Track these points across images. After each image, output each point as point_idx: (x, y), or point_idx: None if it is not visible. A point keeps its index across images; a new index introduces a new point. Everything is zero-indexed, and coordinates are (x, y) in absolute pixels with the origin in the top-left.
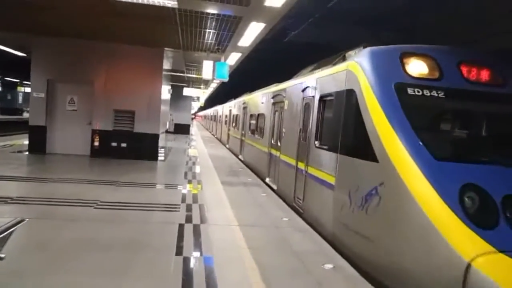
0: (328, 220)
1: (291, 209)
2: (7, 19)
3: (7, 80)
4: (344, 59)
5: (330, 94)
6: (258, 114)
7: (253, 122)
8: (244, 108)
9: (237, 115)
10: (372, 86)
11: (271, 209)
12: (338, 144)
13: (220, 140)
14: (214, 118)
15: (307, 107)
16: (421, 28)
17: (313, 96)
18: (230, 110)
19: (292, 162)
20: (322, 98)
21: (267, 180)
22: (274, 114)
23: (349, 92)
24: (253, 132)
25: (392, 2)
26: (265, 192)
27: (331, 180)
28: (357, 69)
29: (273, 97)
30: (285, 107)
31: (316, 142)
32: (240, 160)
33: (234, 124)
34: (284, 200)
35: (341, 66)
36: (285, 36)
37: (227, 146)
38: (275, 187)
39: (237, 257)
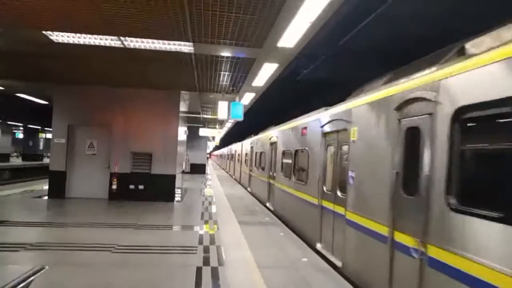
0: None
1: None
2: (31, 69)
3: (29, 127)
4: None
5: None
6: (295, 151)
7: (287, 161)
8: (272, 144)
9: (261, 152)
10: None
11: (289, 249)
12: None
13: (239, 182)
14: (231, 157)
15: (414, 136)
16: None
17: (433, 114)
18: (252, 147)
19: (379, 229)
20: (466, 118)
21: (318, 246)
22: (326, 149)
23: None
24: (288, 174)
25: (403, 37)
26: (283, 231)
27: None
28: None
29: (325, 125)
30: (354, 138)
31: (452, 199)
32: (269, 209)
33: (256, 164)
34: None
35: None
36: (298, 74)
37: (248, 189)
38: (339, 263)
39: None
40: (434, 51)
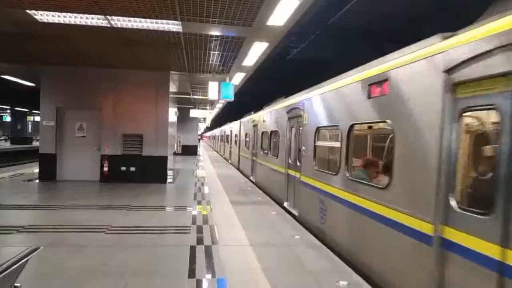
0: None
1: None
2: (16, 51)
3: (17, 110)
4: None
5: None
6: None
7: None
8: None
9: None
10: None
11: (282, 228)
12: None
13: (230, 161)
14: (222, 138)
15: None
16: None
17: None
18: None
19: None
20: None
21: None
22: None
23: None
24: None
25: (392, 15)
26: (275, 211)
27: None
28: None
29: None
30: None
31: None
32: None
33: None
34: None
35: None
36: (288, 53)
37: (239, 168)
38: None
39: (251, 278)
40: (423, 31)
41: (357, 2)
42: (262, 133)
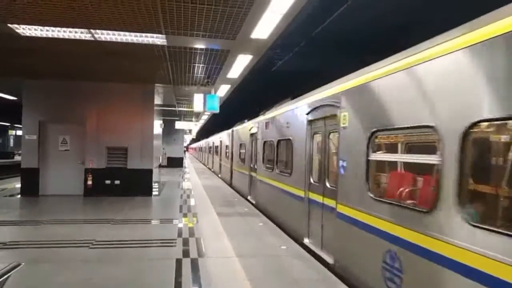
0: None
1: None
2: None
3: None
4: None
5: None
6: (264, 141)
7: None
8: (252, 135)
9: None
10: None
11: (268, 238)
12: None
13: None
14: (209, 150)
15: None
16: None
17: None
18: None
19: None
20: None
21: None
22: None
23: None
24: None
25: (375, 25)
26: (262, 221)
27: None
28: None
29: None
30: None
31: None
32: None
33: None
34: None
35: None
36: (272, 65)
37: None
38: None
39: None
40: (405, 40)
41: (339, 15)
42: (264, 143)
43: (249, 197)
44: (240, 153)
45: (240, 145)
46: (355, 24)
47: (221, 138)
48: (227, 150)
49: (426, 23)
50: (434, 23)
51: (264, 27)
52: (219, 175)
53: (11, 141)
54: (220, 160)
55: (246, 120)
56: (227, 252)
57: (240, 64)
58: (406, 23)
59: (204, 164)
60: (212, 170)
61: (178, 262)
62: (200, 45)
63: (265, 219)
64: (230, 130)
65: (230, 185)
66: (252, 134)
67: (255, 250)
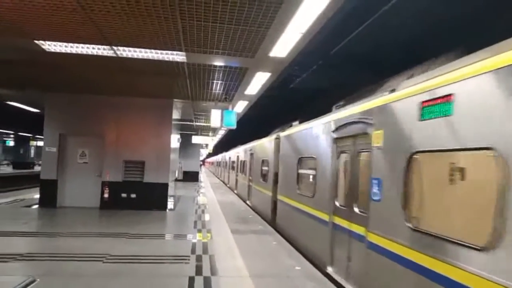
0: None
1: None
2: (22, 78)
3: (20, 135)
4: None
5: None
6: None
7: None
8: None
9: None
10: None
11: (283, 258)
12: None
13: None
14: (226, 164)
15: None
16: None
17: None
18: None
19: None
20: None
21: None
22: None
23: None
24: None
25: (395, 43)
26: (276, 240)
27: None
28: None
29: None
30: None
31: None
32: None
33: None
34: None
35: None
36: (290, 82)
37: (248, 202)
38: None
39: None
40: (424, 59)
41: (358, 33)
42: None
43: (275, 223)
44: (261, 170)
45: (262, 161)
46: (375, 42)
47: (238, 153)
48: (252, 167)
49: (448, 42)
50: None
51: (283, 46)
52: (235, 191)
53: (32, 151)
54: (236, 176)
55: (265, 137)
56: (241, 271)
57: (258, 81)
58: (427, 44)
59: (219, 179)
60: (228, 185)
61: (191, 280)
62: (219, 62)
63: (279, 237)
64: (248, 145)
65: (251, 206)
66: (269, 151)
67: (269, 270)
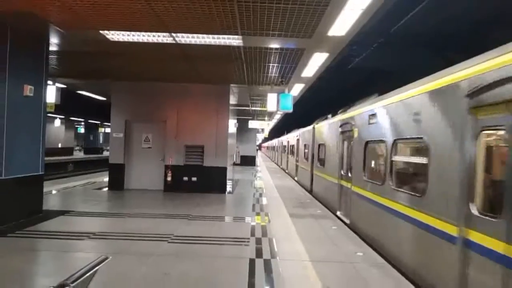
0: None
1: None
2: (89, 68)
3: (90, 122)
4: None
5: None
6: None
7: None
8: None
9: (305, 145)
10: None
11: (343, 243)
12: None
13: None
14: (283, 149)
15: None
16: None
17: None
18: (298, 140)
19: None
20: None
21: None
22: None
23: None
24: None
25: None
26: (336, 225)
27: None
28: None
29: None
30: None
31: None
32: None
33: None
34: None
35: None
36: (348, 63)
37: (295, 179)
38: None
39: None
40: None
41: (420, 9)
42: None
43: (338, 213)
44: (304, 152)
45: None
46: (437, 20)
47: (298, 136)
48: (306, 151)
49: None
50: None
51: (342, 24)
52: (295, 178)
53: (101, 137)
54: (297, 161)
55: (329, 115)
56: (300, 255)
57: (315, 63)
58: (493, 19)
59: (276, 163)
60: (287, 171)
61: (252, 262)
62: (275, 44)
63: (339, 222)
64: (310, 127)
65: (310, 192)
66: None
67: (329, 255)
